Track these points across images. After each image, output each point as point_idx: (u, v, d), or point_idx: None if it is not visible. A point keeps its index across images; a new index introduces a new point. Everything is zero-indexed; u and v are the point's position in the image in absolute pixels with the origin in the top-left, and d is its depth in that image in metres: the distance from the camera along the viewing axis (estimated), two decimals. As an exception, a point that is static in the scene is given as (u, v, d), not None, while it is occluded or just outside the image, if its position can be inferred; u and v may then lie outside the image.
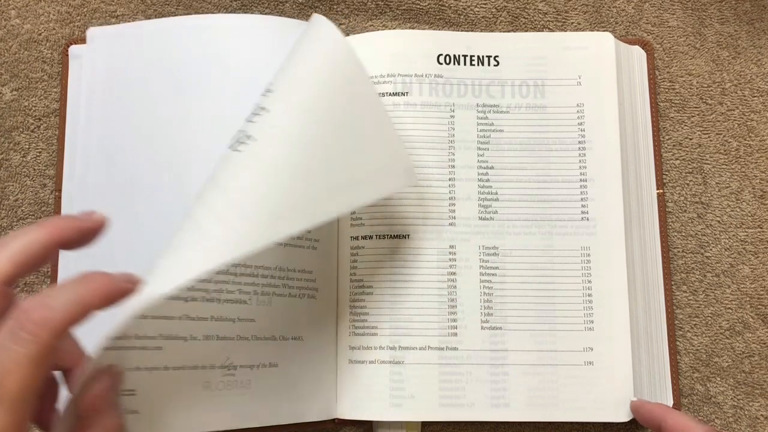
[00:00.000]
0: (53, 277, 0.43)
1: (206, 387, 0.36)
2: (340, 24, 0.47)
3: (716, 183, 0.45)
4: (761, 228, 0.44)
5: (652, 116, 0.45)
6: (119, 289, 0.26)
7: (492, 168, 0.43)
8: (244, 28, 0.42)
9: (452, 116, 0.43)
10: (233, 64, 0.41)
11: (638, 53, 0.46)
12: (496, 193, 0.43)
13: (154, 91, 0.42)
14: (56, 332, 0.23)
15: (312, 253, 0.41)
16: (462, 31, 0.46)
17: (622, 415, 0.40)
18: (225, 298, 0.37)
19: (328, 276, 0.42)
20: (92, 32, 0.44)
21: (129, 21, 0.47)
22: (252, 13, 0.47)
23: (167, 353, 0.35)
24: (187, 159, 0.40)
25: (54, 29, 0.47)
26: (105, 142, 0.42)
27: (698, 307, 0.43)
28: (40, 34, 0.46)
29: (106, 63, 0.43)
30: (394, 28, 0.47)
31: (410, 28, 0.47)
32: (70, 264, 0.41)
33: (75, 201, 0.43)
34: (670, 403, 0.42)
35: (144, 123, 0.41)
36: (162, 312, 0.35)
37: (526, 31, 0.47)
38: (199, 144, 0.40)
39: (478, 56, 0.44)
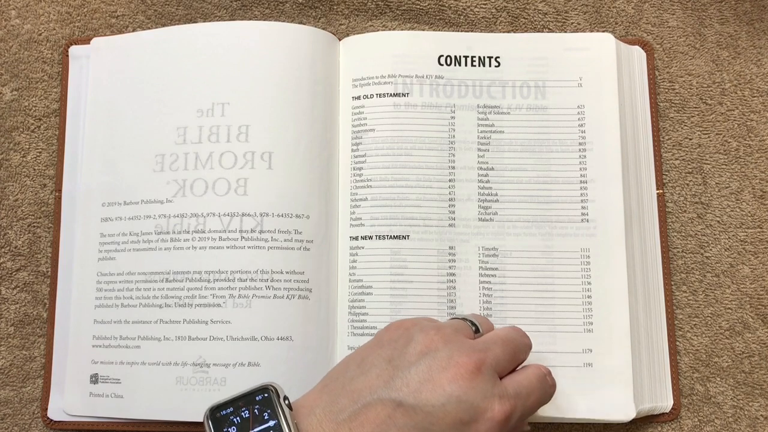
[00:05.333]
0: (53, 277, 0.43)
1: (179, 381, 0.40)
2: (340, 24, 0.47)
3: (716, 183, 0.45)
4: (761, 228, 0.44)
5: (652, 116, 0.45)
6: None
7: (492, 169, 0.43)
8: (237, 35, 0.43)
9: (453, 117, 0.43)
10: (229, 69, 0.43)
11: (638, 53, 0.46)
12: (496, 194, 0.43)
13: (152, 96, 0.43)
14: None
15: (305, 254, 0.41)
16: (462, 31, 0.46)
17: (622, 415, 0.40)
18: (197, 303, 0.40)
19: (323, 276, 0.42)
20: (97, 42, 0.45)
21: (129, 21, 0.47)
22: (252, 12, 0.47)
23: (144, 351, 0.41)
24: (184, 162, 0.42)
25: (54, 29, 0.47)
26: (105, 146, 0.43)
27: (698, 307, 0.43)
28: (40, 34, 0.46)
29: (108, 71, 0.44)
30: (394, 29, 0.47)
31: (410, 28, 0.47)
32: (68, 263, 0.43)
33: (75, 201, 0.43)
34: (670, 403, 0.42)
35: (143, 128, 0.43)
36: (140, 317, 0.41)
37: (526, 31, 0.47)
38: (196, 148, 0.42)
39: (479, 57, 0.44)
